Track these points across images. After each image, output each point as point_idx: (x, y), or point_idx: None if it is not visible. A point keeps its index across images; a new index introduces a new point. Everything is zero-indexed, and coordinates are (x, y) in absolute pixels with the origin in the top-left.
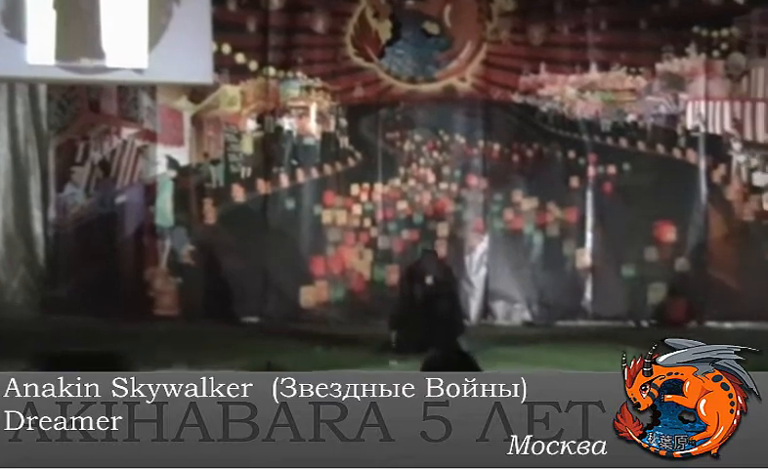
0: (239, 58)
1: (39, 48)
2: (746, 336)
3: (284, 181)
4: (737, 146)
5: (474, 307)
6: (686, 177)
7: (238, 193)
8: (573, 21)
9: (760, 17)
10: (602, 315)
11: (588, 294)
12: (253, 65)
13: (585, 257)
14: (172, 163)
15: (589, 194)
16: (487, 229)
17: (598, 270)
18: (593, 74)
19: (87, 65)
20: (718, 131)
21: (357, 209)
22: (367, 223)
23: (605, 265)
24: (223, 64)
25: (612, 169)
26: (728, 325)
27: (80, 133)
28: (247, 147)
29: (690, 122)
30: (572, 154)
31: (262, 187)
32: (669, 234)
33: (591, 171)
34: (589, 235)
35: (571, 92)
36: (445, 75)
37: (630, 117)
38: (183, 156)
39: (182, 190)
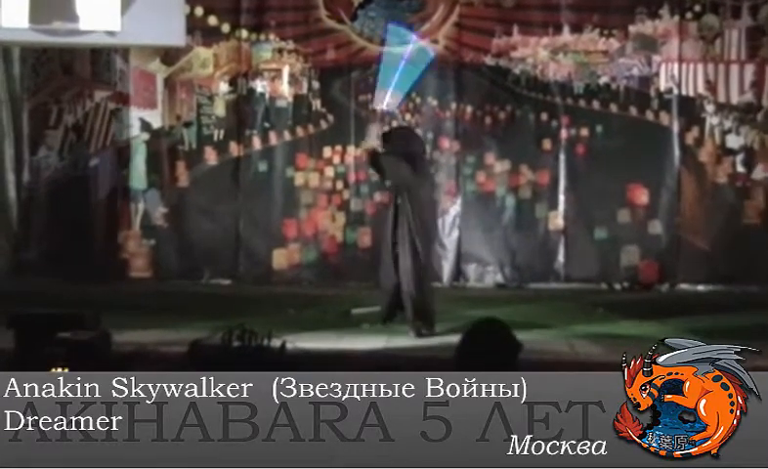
0: (212, 20)
1: (13, 11)
2: (718, 299)
3: (257, 143)
4: (710, 108)
5: (446, 269)
6: (659, 139)
7: (211, 156)
8: None
9: None
10: (574, 277)
11: (561, 257)
12: (225, 28)
13: (558, 219)
14: (145, 126)
15: (562, 157)
16: (459, 191)
17: (570, 232)
18: (566, 36)
19: (60, 28)
20: (691, 93)
21: (329, 172)
22: (340, 185)
23: (577, 227)
24: (195, 27)
25: (584, 131)
26: (700, 288)
27: (53, 96)
28: (220, 109)
29: (663, 84)
30: (544, 117)
31: (234, 149)
32: (642, 196)
33: (564, 133)
34: (562, 198)
35: (543, 54)
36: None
37: (603, 79)
38: (156, 119)
39: (155, 152)
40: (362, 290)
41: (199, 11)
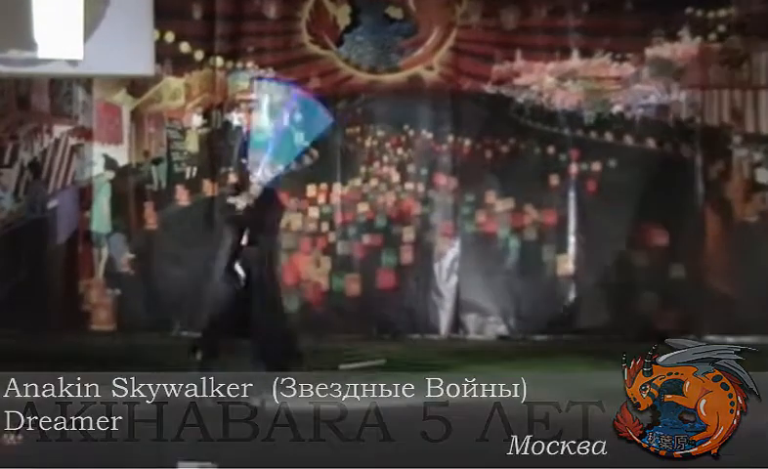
0: (184, 47)
1: None
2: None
3: (233, 181)
4: (737, 139)
5: (444, 320)
6: (679, 174)
7: (182, 196)
8: (550, 3)
9: None
10: (585, 328)
11: (570, 305)
12: (199, 55)
13: (567, 264)
14: (110, 163)
15: (571, 194)
16: (457, 233)
17: (581, 278)
18: (574, 61)
19: (16, 57)
20: (716, 122)
21: (313, 212)
22: (325, 227)
23: (588, 272)
24: (165, 54)
25: (596, 166)
26: (729, 339)
27: (8, 132)
28: (192, 144)
29: (684, 113)
30: (551, 150)
31: (208, 188)
32: (661, 237)
33: (573, 168)
34: (571, 240)
35: (549, 81)
36: (409, 64)
37: (616, 108)
38: (121, 156)
39: (120, 192)
40: (350, 343)
41: (170, 37)
